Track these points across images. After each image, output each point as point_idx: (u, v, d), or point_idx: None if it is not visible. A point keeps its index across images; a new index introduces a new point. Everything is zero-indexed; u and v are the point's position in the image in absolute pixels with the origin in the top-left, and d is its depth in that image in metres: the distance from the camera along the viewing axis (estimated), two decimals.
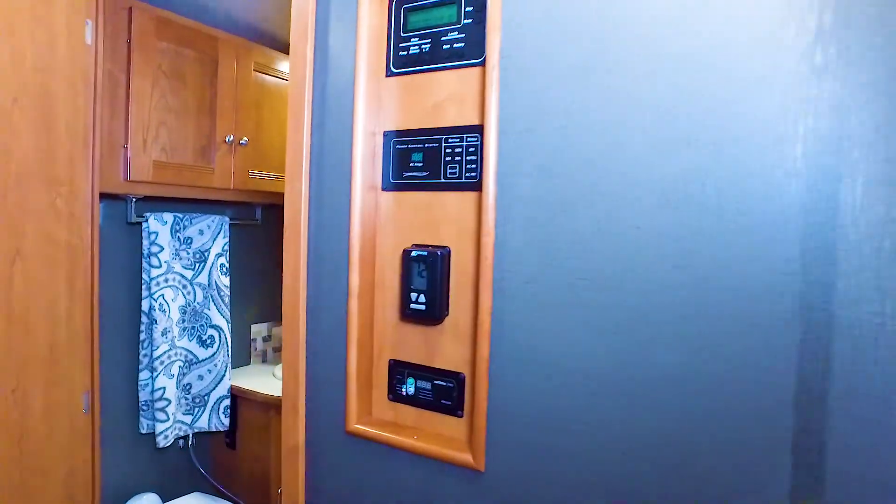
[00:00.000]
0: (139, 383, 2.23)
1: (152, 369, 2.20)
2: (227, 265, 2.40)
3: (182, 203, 2.38)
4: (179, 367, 2.27)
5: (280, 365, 2.68)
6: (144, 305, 2.20)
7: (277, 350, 2.83)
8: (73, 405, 1.70)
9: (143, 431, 2.24)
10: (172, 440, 2.26)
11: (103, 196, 1.88)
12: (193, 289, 2.32)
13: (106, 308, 2.06)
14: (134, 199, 2.13)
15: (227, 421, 2.39)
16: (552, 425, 0.98)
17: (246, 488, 2.44)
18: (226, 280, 2.40)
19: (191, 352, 2.34)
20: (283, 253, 1.26)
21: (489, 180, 1.02)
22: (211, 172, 2.20)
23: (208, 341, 2.37)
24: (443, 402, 1.14)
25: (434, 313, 1.11)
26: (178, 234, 2.26)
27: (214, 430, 2.38)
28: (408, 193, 1.17)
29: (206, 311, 2.37)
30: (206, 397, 2.37)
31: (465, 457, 1.06)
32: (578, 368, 0.96)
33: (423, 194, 1.15)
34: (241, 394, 2.41)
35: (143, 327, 2.21)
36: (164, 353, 2.20)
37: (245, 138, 2.30)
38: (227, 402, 2.39)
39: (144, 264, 2.19)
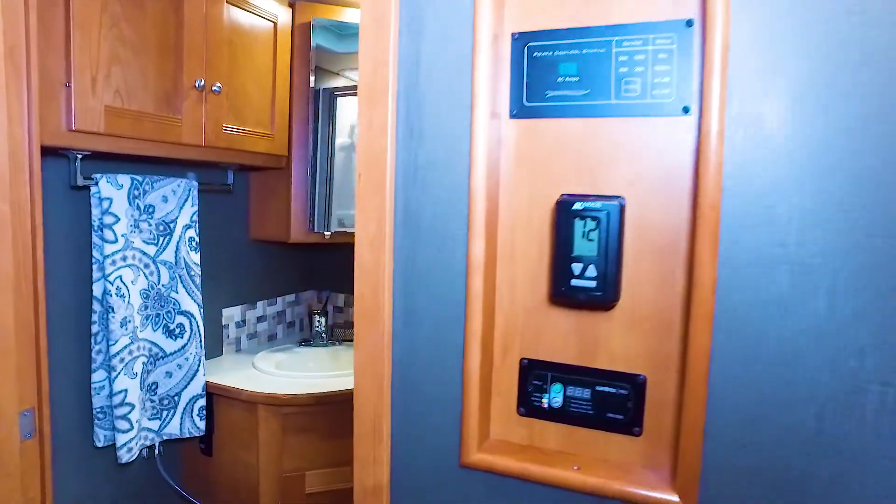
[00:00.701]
0: (92, 386, 1.72)
1: (110, 368, 1.70)
2: (196, 239, 1.92)
3: (141, 163, 1.86)
4: (143, 363, 1.78)
5: (261, 353, 2.22)
6: (97, 290, 1.69)
7: (253, 337, 2.36)
8: (6, 431, 1.23)
9: (100, 445, 1.75)
10: (137, 453, 1.78)
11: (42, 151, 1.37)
12: (157, 268, 1.83)
13: (47, 295, 1.55)
14: (79, 157, 1.60)
15: (203, 424, 1.93)
16: (800, 448, 0.65)
17: (226, 501, 2.00)
18: (195, 257, 1.91)
19: (156, 344, 1.85)
20: (357, 213, 0.85)
21: (713, 100, 0.66)
22: (178, 125, 1.71)
23: (177, 331, 1.89)
24: (609, 415, 0.78)
25: (608, 293, 0.74)
26: (137, 201, 1.75)
27: (188, 435, 1.92)
28: (552, 122, 0.79)
29: (173, 294, 1.88)
30: (176, 398, 1.90)
31: (668, 497, 0.71)
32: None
33: (575, 123, 0.78)
34: (219, 392, 1.95)
35: (95, 317, 1.70)
36: (125, 347, 1.71)
37: (218, 84, 1.81)
38: (203, 402, 1.92)
39: (95, 239, 1.68)
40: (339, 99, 2.20)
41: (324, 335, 2.37)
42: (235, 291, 2.27)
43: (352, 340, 2.56)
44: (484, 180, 0.77)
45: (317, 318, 2.34)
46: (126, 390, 1.72)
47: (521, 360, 0.82)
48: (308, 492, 1.95)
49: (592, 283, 0.74)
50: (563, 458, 0.79)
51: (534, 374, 0.81)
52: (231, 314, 2.25)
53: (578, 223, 0.74)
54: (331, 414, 1.97)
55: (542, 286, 0.80)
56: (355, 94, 2.31)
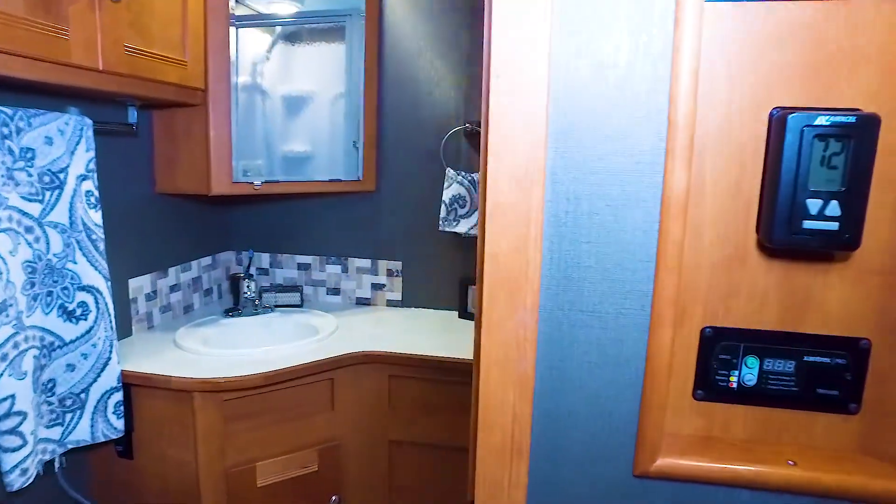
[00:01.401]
0: None
1: None
2: (96, 194, 1.44)
3: (11, 90, 1.34)
4: (34, 357, 1.32)
5: (183, 330, 1.79)
6: None
7: (167, 310, 1.90)
8: None
9: None
10: (35, 473, 1.34)
11: None
12: (45, 233, 1.34)
13: None
14: None
15: (121, 424, 1.50)
16: None
17: None
18: (96, 216, 1.44)
19: (50, 332, 1.38)
20: (490, 131, 0.54)
21: None
22: (64, 39, 1.22)
23: (78, 312, 1.42)
24: (820, 391, 0.57)
25: (853, 237, 0.52)
26: (7, 142, 1.25)
27: (103, 439, 1.48)
28: (762, 5, 0.53)
29: (70, 266, 1.40)
30: (82, 396, 1.45)
31: None
32: None
33: (794, 6, 0.53)
34: (139, 382, 1.52)
35: None
36: (7, 340, 1.24)
37: None
38: (119, 395, 1.49)
39: None
40: (238, 31, 1.75)
41: (256, 303, 1.97)
42: (142, 257, 1.80)
43: (289, 306, 2.23)
44: (688, 85, 0.50)
45: (245, 283, 1.94)
46: (13, 396, 1.26)
47: (704, 329, 0.59)
48: (261, 484, 1.62)
49: (834, 225, 0.51)
50: (770, 451, 0.57)
51: (720, 347, 0.58)
52: (139, 285, 1.78)
53: (818, 145, 0.51)
54: (280, 393, 1.63)
55: (740, 231, 0.56)
56: (260, 25, 1.89)
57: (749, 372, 0.58)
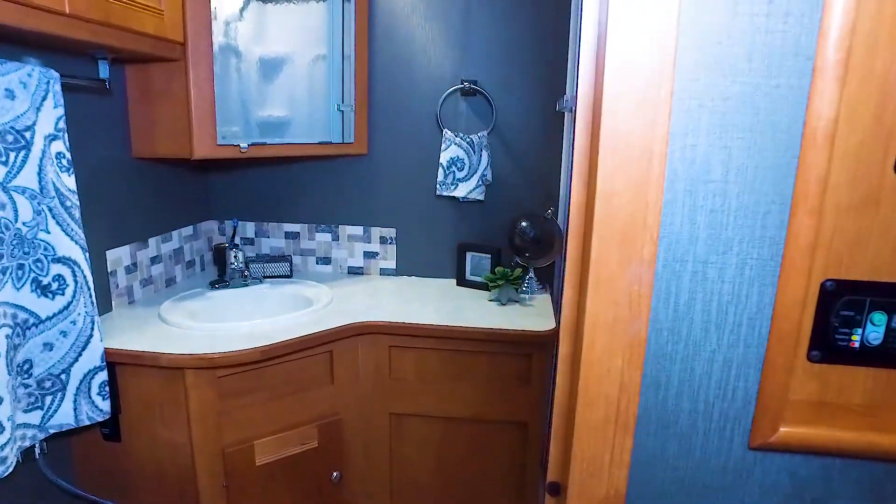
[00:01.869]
0: None
1: None
2: (67, 155, 1.28)
3: None
4: (6, 337, 1.18)
5: (167, 304, 1.65)
6: None
7: (148, 284, 1.76)
8: None
9: None
10: (14, 461, 1.21)
11: None
12: (11, 199, 1.19)
13: None
14: None
15: (107, 405, 1.37)
16: None
17: (144, 493, 1.49)
18: (69, 181, 1.29)
19: (24, 308, 1.24)
20: (595, 44, 0.44)
21: None
22: None
23: (54, 286, 1.28)
24: None
25: None
26: None
27: (88, 422, 1.36)
28: None
29: (42, 235, 1.25)
30: (63, 377, 1.32)
31: None
32: None
33: None
34: (126, 360, 1.40)
35: None
36: None
37: None
38: (104, 375, 1.36)
39: None
40: None
41: (245, 274, 1.84)
42: (119, 227, 1.64)
43: (278, 277, 2.10)
44: None
45: (232, 252, 1.80)
46: None
47: (825, 282, 0.51)
48: (260, 463, 1.52)
49: None
50: (875, 414, 0.50)
51: (842, 302, 0.50)
52: (118, 257, 1.63)
53: None
54: (277, 368, 1.52)
55: (875, 170, 0.48)
56: None
57: (874, 330, 0.51)
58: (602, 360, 0.48)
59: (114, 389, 1.42)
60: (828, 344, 0.52)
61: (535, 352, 1.64)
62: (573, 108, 1.78)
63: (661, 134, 0.44)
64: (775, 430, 0.49)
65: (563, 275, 2.06)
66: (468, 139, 1.92)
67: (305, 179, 2.06)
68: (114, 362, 1.39)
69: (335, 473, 1.66)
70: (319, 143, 1.83)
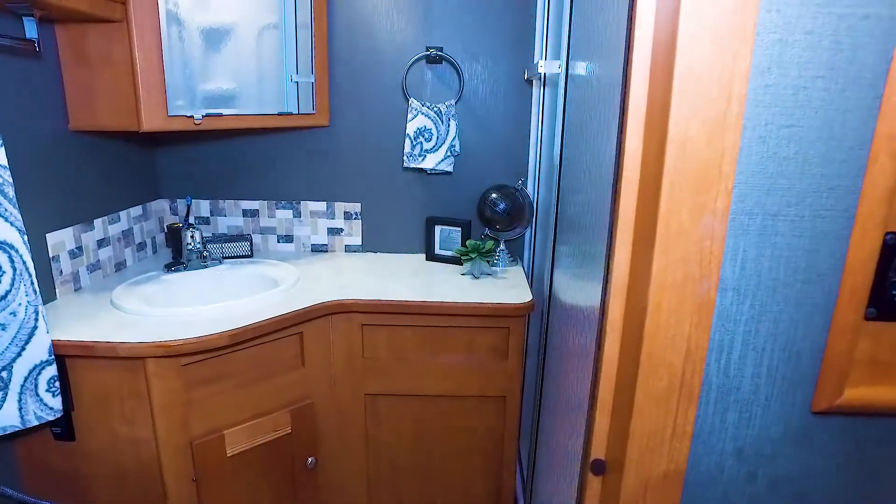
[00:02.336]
0: None
1: None
2: None
3: None
4: None
5: (120, 289, 1.52)
6: None
7: (95, 269, 1.61)
8: None
9: None
10: None
11: None
12: None
13: None
14: None
15: (58, 402, 1.25)
16: None
17: (103, 494, 1.38)
18: (0, 156, 1.14)
19: None
20: None
21: None
22: None
23: None
24: None
25: None
26: None
27: (37, 423, 1.23)
28: None
29: None
30: (3, 374, 1.18)
31: None
32: None
33: None
34: (77, 352, 1.27)
35: None
36: None
37: None
38: (53, 370, 1.23)
39: None
40: None
41: (204, 255, 1.71)
42: (60, 208, 1.49)
43: (238, 257, 1.97)
44: None
45: (188, 233, 1.67)
46: None
47: (886, 235, 0.47)
48: (231, 453, 1.43)
49: None
50: None
51: None
52: (60, 240, 1.48)
53: None
54: (245, 353, 1.43)
55: None
56: None
57: None
58: (668, 324, 0.44)
59: (65, 385, 1.29)
60: (886, 301, 0.49)
61: (513, 324, 1.61)
62: (542, 75, 1.73)
63: (741, 71, 0.39)
64: (840, 392, 0.46)
65: (535, 246, 2.01)
66: (435, 108, 1.85)
67: (263, 154, 1.94)
68: (63, 355, 1.26)
69: (310, 459, 1.59)
70: (279, 115, 1.71)
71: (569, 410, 1.22)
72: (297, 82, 1.76)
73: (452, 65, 1.86)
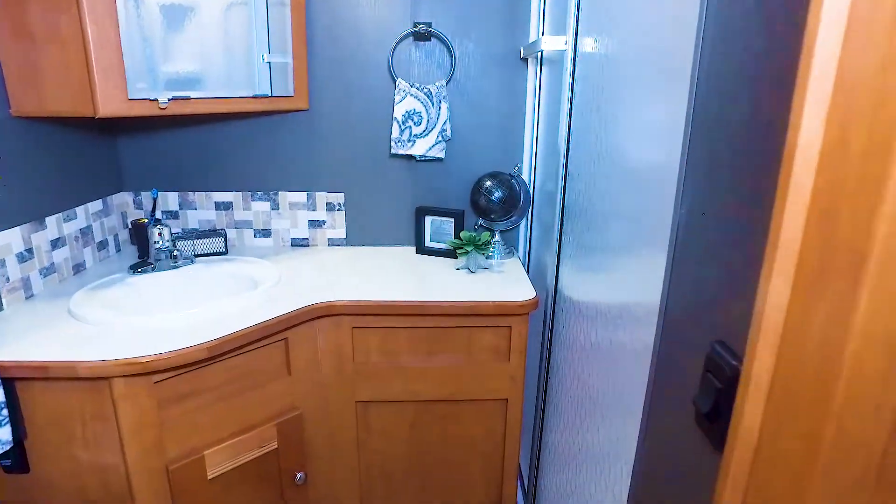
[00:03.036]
0: None
1: None
2: None
3: None
4: None
5: (80, 295, 1.34)
6: None
7: (50, 273, 1.42)
8: None
9: None
10: None
11: None
12: None
13: None
14: None
15: (6, 432, 1.08)
16: None
17: None
18: None
19: None
20: None
21: None
22: None
23: None
24: None
25: None
26: None
27: None
28: None
29: None
30: None
31: None
32: None
33: None
34: (28, 374, 1.10)
35: None
36: None
37: None
38: (0, 396, 1.06)
39: None
40: None
41: (175, 254, 1.53)
42: (5, 205, 1.30)
43: (212, 254, 1.77)
44: None
45: (156, 229, 1.49)
46: None
47: None
48: (212, 475, 1.28)
49: None
50: None
51: None
52: (6, 243, 1.29)
53: None
54: (226, 363, 1.27)
55: None
56: None
57: None
58: (870, 393, 0.31)
59: (15, 411, 1.12)
60: None
61: (515, 323, 1.48)
62: (539, 54, 1.59)
63: None
64: None
65: (531, 235, 1.85)
66: (425, 90, 1.69)
67: (236, 142, 1.75)
68: (12, 378, 1.09)
69: (299, 475, 1.44)
70: (254, 98, 1.53)
71: (598, 408, 1.10)
72: (270, 63, 1.58)
73: (443, 41, 1.71)
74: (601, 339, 1.12)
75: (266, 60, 1.58)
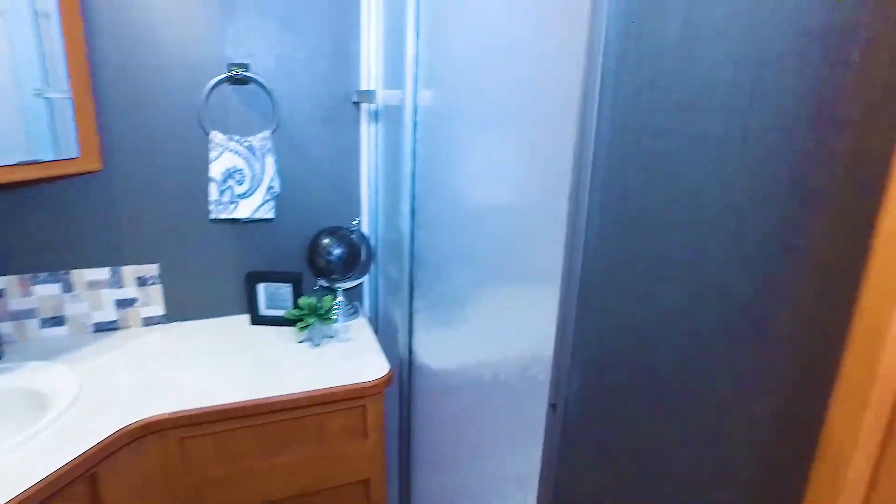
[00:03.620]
0: None
1: None
2: None
3: None
4: None
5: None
6: None
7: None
8: None
9: None
10: None
11: None
12: None
13: None
14: None
15: None
16: None
17: None
18: None
19: None
20: None
21: None
22: None
23: None
24: None
25: None
26: None
27: None
28: None
29: None
30: None
31: None
32: None
33: None
34: None
35: None
36: None
37: None
38: None
39: None
40: None
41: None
42: None
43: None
44: None
45: None
46: None
47: None
48: None
49: None
50: None
51: None
52: None
53: None
54: None
55: None
56: None
57: None
58: None
59: None
60: None
61: (371, 402, 1.38)
62: (375, 101, 1.48)
63: None
64: None
65: (378, 291, 1.76)
66: (246, 143, 1.48)
67: (4, 213, 1.39)
68: None
69: None
70: (23, 164, 1.21)
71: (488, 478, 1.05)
72: (50, 99, 1.26)
73: (263, 87, 1.50)
74: (470, 402, 1.07)
75: (43, 96, 1.25)
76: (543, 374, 0.75)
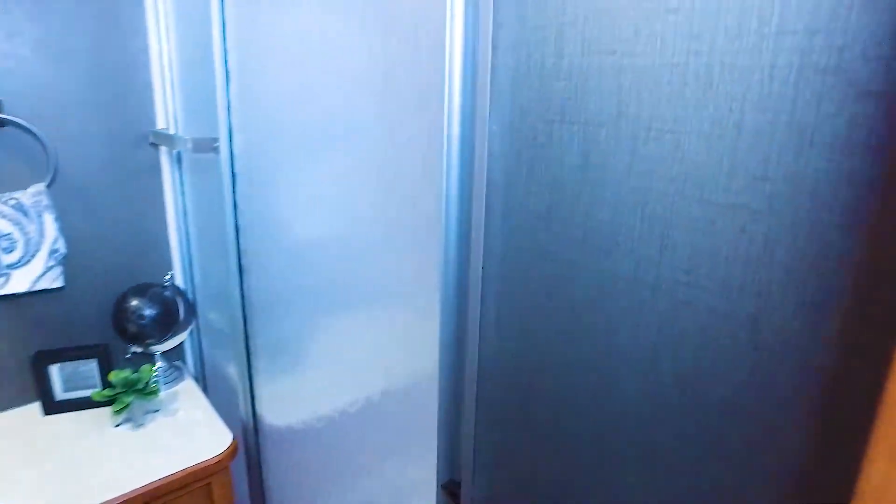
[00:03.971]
0: None
1: None
2: None
3: None
4: None
5: None
6: None
7: None
8: None
9: None
10: None
11: None
12: None
13: None
14: None
15: None
16: None
17: None
18: None
19: None
20: None
21: None
22: None
23: None
24: None
25: None
26: None
27: None
28: None
29: None
30: None
31: None
32: None
33: None
34: None
35: None
36: None
37: None
38: None
39: None
40: None
41: None
42: None
43: None
44: None
45: None
46: None
47: None
48: None
49: None
50: None
51: None
52: None
53: None
54: None
55: None
56: None
57: None
58: None
59: None
60: None
61: (215, 479, 1.24)
62: (189, 146, 1.32)
63: None
64: None
65: (201, 345, 1.59)
66: (13, 201, 1.21)
67: None
68: None
69: None
70: None
71: None
72: None
73: (26, 129, 1.24)
74: (343, 446, 1.02)
75: None
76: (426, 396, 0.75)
